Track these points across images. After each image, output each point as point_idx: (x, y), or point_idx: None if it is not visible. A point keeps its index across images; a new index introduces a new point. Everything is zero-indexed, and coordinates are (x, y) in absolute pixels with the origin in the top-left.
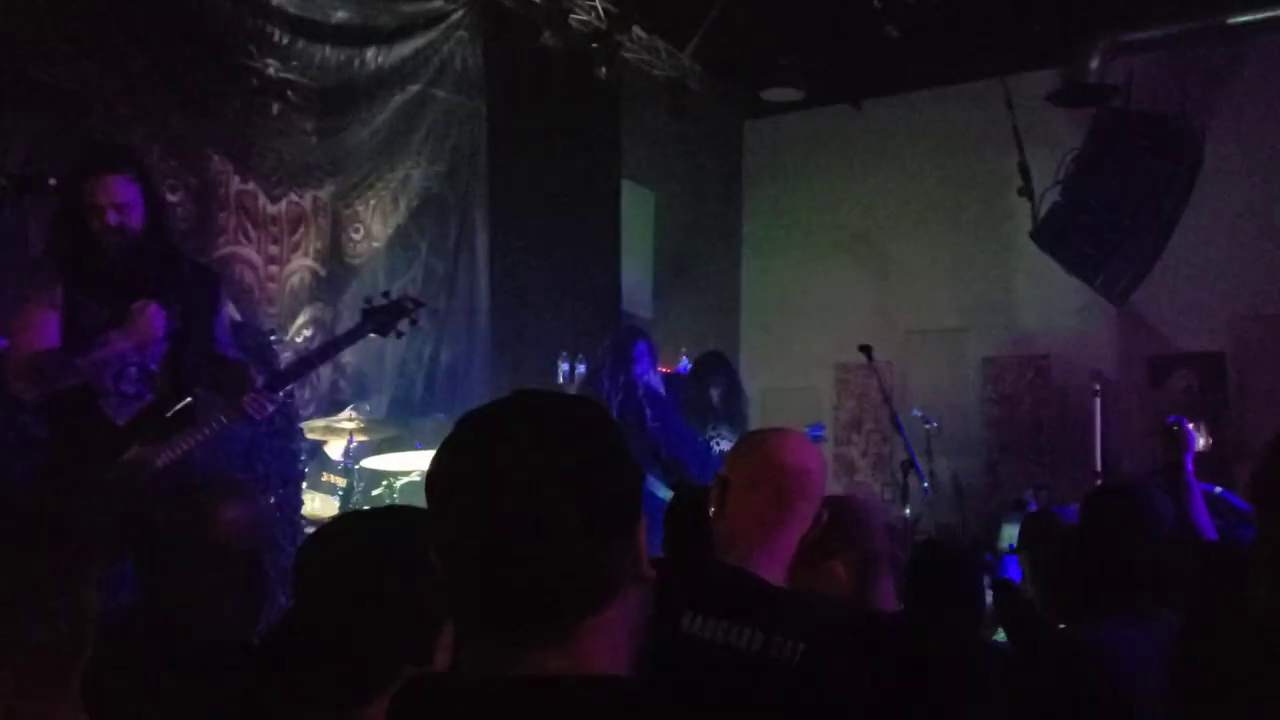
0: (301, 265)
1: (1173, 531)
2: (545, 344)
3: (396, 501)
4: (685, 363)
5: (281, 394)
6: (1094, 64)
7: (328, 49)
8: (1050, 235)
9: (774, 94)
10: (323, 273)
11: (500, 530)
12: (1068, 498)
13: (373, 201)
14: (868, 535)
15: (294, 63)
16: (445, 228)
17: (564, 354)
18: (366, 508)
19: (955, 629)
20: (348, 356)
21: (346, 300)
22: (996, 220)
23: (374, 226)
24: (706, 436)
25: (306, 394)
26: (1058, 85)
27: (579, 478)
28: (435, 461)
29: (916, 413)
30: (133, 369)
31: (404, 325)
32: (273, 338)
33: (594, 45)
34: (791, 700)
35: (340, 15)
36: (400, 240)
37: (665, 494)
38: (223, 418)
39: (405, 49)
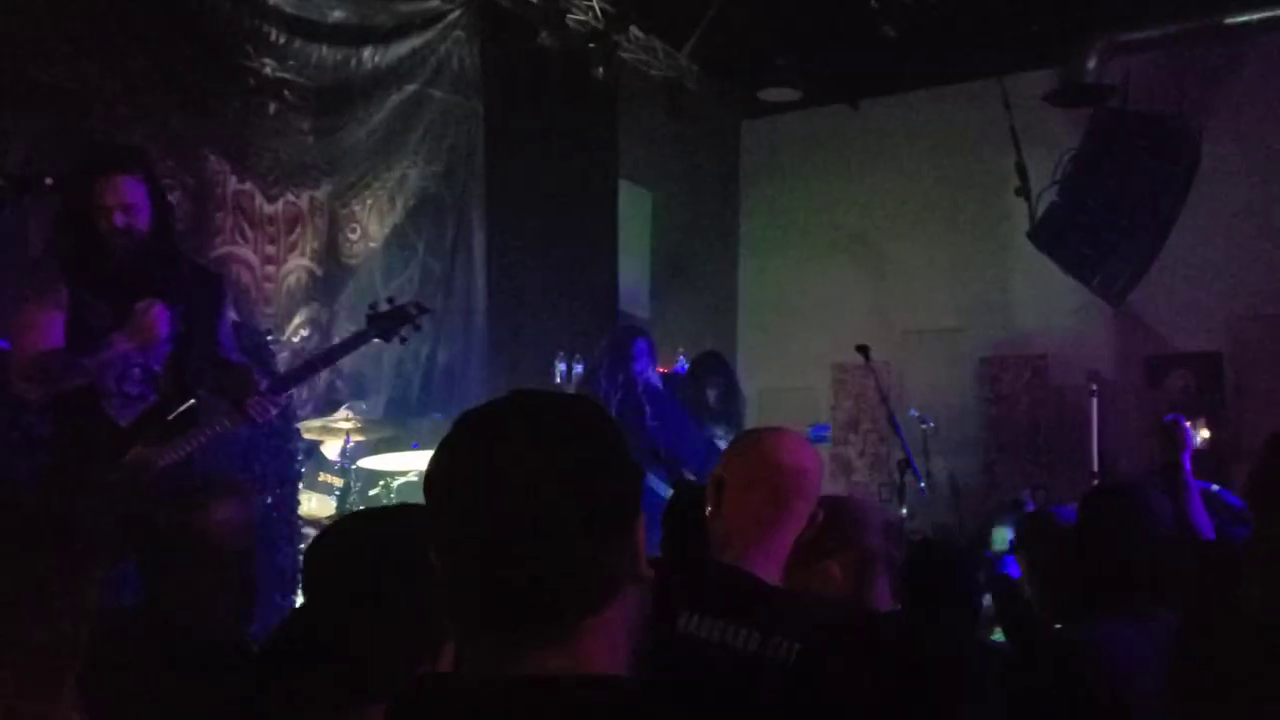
0: (298, 265)
1: (1170, 531)
2: (542, 344)
3: (394, 501)
4: (682, 363)
5: (284, 397)
6: (1091, 64)
7: (325, 49)
8: (1047, 235)
9: (771, 94)
10: (319, 273)
11: (499, 530)
12: (1065, 498)
13: (369, 201)
14: (864, 535)
15: (291, 62)
16: (442, 228)
17: (561, 354)
18: (364, 508)
19: (952, 629)
20: (345, 357)
21: (343, 300)
22: (994, 220)
23: (371, 226)
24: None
25: (304, 394)
26: (1055, 85)
27: (578, 477)
28: (434, 462)
29: (914, 413)
30: (136, 370)
31: (407, 331)
32: (269, 338)
33: (591, 45)
34: (788, 700)
35: (337, 15)
36: (397, 240)
37: (666, 492)
38: (226, 420)
39: (402, 49)
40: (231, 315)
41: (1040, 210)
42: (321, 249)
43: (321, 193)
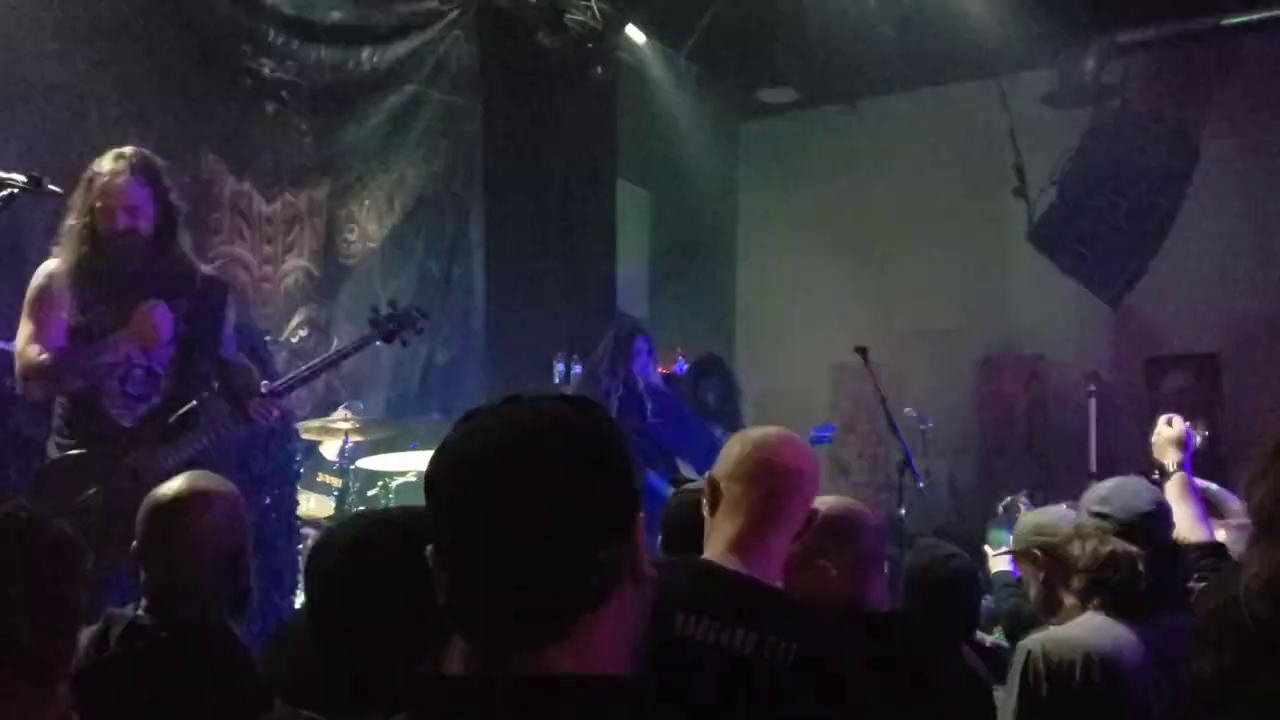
0: (296, 266)
1: (1169, 530)
2: (541, 344)
3: (392, 501)
4: (681, 363)
5: (287, 399)
6: (1090, 65)
7: (323, 49)
8: (1046, 236)
9: (770, 94)
10: (317, 273)
11: (499, 530)
12: (1064, 498)
13: (367, 202)
14: (860, 536)
15: (289, 63)
16: (441, 228)
17: (560, 354)
18: (364, 509)
19: (949, 629)
20: None
21: (342, 301)
22: (992, 221)
23: (369, 227)
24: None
25: (302, 394)
26: (1054, 86)
27: (577, 477)
28: (433, 463)
29: (912, 413)
30: (138, 371)
31: (409, 335)
32: (267, 338)
33: (589, 45)
34: (785, 701)
35: (336, 15)
36: (395, 240)
37: (667, 491)
38: (228, 422)
39: (401, 49)
40: (233, 317)
41: (1040, 210)
42: (319, 249)
43: (320, 193)
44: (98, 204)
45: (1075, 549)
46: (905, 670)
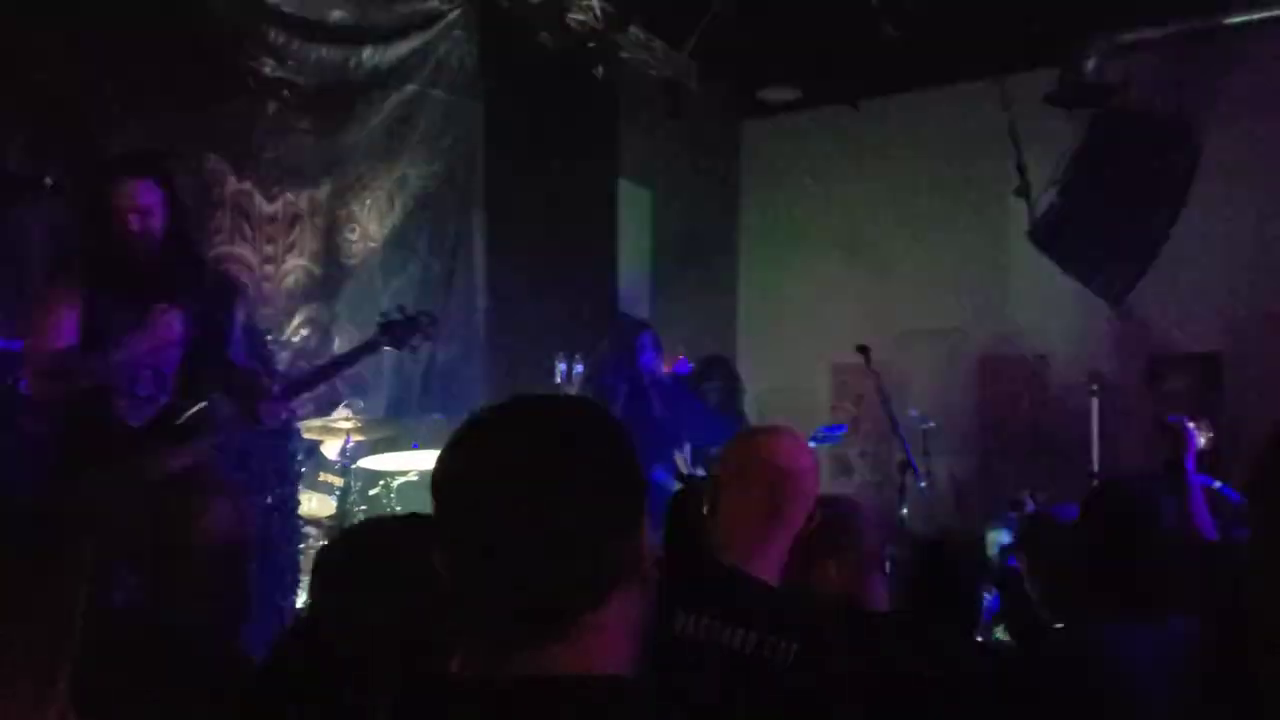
0: (296, 265)
1: (1173, 531)
2: (542, 344)
3: (394, 500)
4: (683, 362)
5: (296, 401)
6: (1091, 64)
7: (324, 49)
8: (1047, 235)
9: (771, 93)
10: (318, 273)
11: (502, 530)
12: (1065, 498)
13: (368, 201)
14: (860, 535)
15: (290, 62)
16: (442, 228)
17: (561, 354)
18: (370, 517)
19: (948, 629)
20: None
21: (343, 300)
22: (994, 220)
23: (370, 226)
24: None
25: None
26: (1055, 85)
27: (580, 478)
28: (439, 463)
29: (914, 413)
30: (148, 372)
31: (418, 340)
32: (269, 337)
33: (591, 45)
34: (785, 700)
35: (337, 15)
36: (397, 240)
37: (673, 486)
38: (237, 424)
39: (402, 48)
40: (242, 319)
41: (1040, 210)
42: (320, 249)
43: (321, 192)
44: (110, 205)
45: (1079, 549)
46: (905, 670)
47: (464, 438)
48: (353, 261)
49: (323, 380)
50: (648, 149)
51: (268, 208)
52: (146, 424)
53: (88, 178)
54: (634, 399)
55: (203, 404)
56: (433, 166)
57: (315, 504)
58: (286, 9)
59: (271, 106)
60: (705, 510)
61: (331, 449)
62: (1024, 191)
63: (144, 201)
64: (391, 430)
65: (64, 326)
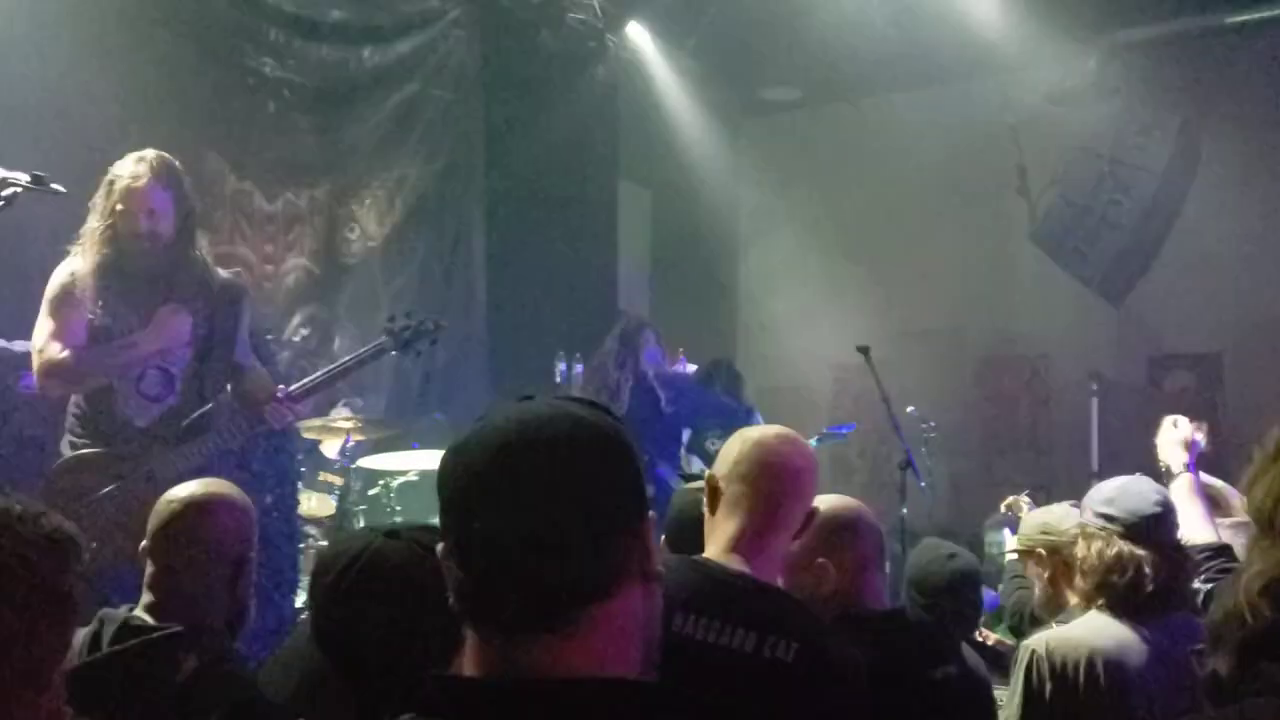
0: (296, 265)
1: (1173, 530)
2: (542, 343)
3: (393, 500)
4: (683, 362)
5: (302, 404)
6: (1091, 65)
7: (325, 48)
8: (1047, 235)
9: (771, 93)
10: (318, 272)
11: (506, 530)
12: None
13: (368, 201)
14: (860, 535)
15: (291, 62)
16: (442, 227)
17: (561, 353)
18: (363, 506)
19: (947, 628)
20: (343, 355)
21: (343, 300)
22: (994, 220)
23: (370, 226)
24: (704, 439)
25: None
26: (1054, 86)
27: (585, 476)
28: (444, 463)
29: (914, 413)
30: (155, 373)
31: (424, 345)
32: (269, 337)
33: (591, 44)
34: (784, 700)
35: (337, 14)
36: (397, 240)
37: (677, 483)
38: (244, 426)
39: (402, 48)
40: (248, 321)
41: (1040, 210)
42: (320, 248)
43: (321, 192)
44: (119, 207)
45: (1080, 550)
46: (905, 670)
47: (470, 437)
48: (352, 261)
49: (330, 384)
50: (648, 148)
51: (267, 207)
52: (153, 425)
53: (97, 179)
54: (639, 396)
55: (209, 406)
56: (433, 165)
57: (315, 503)
58: (287, 8)
59: (272, 106)
60: (705, 510)
61: (331, 448)
62: (1024, 191)
63: (154, 204)
64: (391, 430)
65: (73, 326)
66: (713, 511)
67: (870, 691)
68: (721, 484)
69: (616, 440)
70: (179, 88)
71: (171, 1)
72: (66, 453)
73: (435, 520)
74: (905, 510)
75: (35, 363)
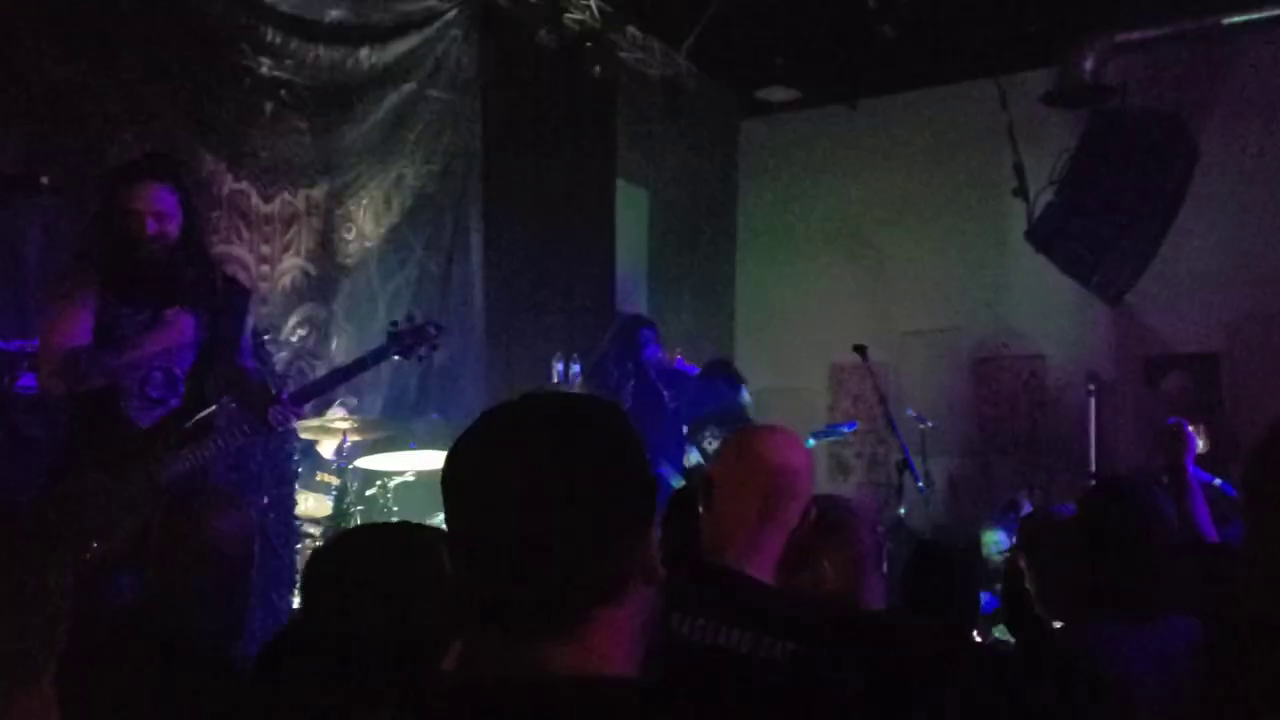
0: (293, 265)
1: (1173, 531)
2: (540, 344)
3: (390, 501)
4: (680, 362)
5: (305, 407)
6: (1089, 64)
7: (321, 48)
8: (1045, 235)
9: (769, 93)
10: (315, 273)
11: (511, 528)
12: (1063, 498)
13: (365, 201)
14: (856, 534)
15: (288, 62)
16: (439, 228)
17: (558, 354)
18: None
19: (945, 628)
20: (341, 356)
21: (340, 300)
22: (991, 220)
23: (367, 226)
24: (702, 438)
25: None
26: (1053, 85)
27: (591, 476)
28: (448, 461)
29: (911, 413)
30: (158, 374)
31: (425, 350)
32: (266, 337)
33: (589, 44)
34: (781, 700)
35: (334, 14)
36: (394, 240)
37: (677, 481)
38: (246, 428)
39: (399, 48)
40: (252, 323)
41: (1038, 210)
42: (317, 249)
43: (318, 192)
44: (125, 208)
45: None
46: (902, 669)
47: (474, 435)
48: (350, 261)
49: (332, 387)
50: (646, 149)
51: (264, 207)
52: (156, 426)
53: (102, 180)
54: (642, 394)
55: (212, 408)
56: (430, 166)
57: (312, 504)
58: (284, 8)
59: (269, 106)
60: (701, 509)
61: (328, 449)
62: (1022, 191)
63: (161, 205)
64: (388, 430)
65: (78, 325)
66: (708, 510)
67: (867, 692)
68: (717, 482)
69: (623, 438)
70: (175, 87)
71: (169, 0)
72: (68, 453)
73: (433, 521)
74: (903, 510)
75: (39, 362)
